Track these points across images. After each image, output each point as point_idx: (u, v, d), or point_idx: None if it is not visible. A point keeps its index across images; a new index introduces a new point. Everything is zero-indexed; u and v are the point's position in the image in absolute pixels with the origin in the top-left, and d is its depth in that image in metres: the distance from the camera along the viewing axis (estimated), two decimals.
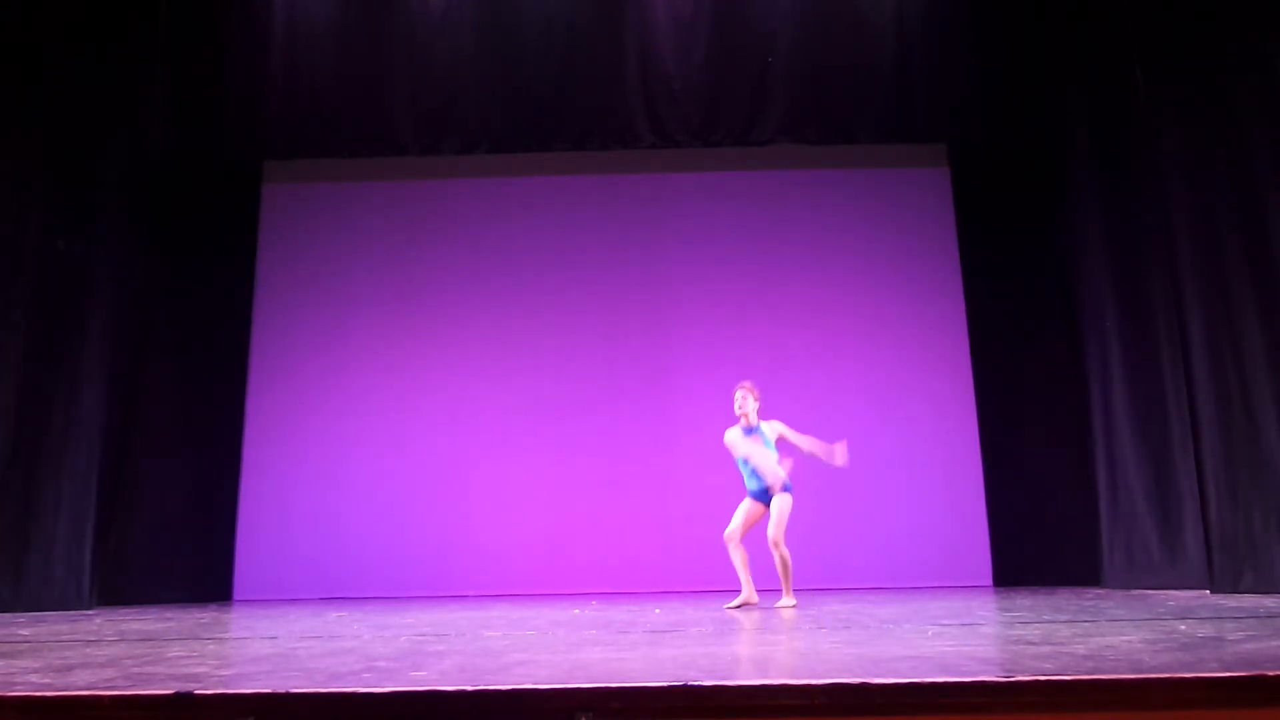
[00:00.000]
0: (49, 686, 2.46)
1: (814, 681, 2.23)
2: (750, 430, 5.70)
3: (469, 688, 2.26)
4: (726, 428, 5.73)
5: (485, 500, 7.73)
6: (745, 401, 5.71)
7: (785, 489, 5.59)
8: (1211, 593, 5.60)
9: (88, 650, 3.53)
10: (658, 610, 5.34)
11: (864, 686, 2.21)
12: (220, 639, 4.13)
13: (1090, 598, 5.65)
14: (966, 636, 3.45)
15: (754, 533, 5.73)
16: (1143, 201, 6.58)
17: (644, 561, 7.38)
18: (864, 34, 7.52)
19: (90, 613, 5.96)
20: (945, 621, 4.11)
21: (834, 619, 4.42)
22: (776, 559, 5.58)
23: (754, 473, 5.63)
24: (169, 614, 5.78)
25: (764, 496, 5.64)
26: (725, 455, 7.71)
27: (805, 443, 5.70)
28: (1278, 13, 5.69)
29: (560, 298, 8.09)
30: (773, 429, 5.73)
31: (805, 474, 7.77)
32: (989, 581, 7.41)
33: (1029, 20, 7.57)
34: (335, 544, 7.62)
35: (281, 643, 3.78)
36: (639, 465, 7.76)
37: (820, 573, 7.44)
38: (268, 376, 7.95)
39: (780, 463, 5.62)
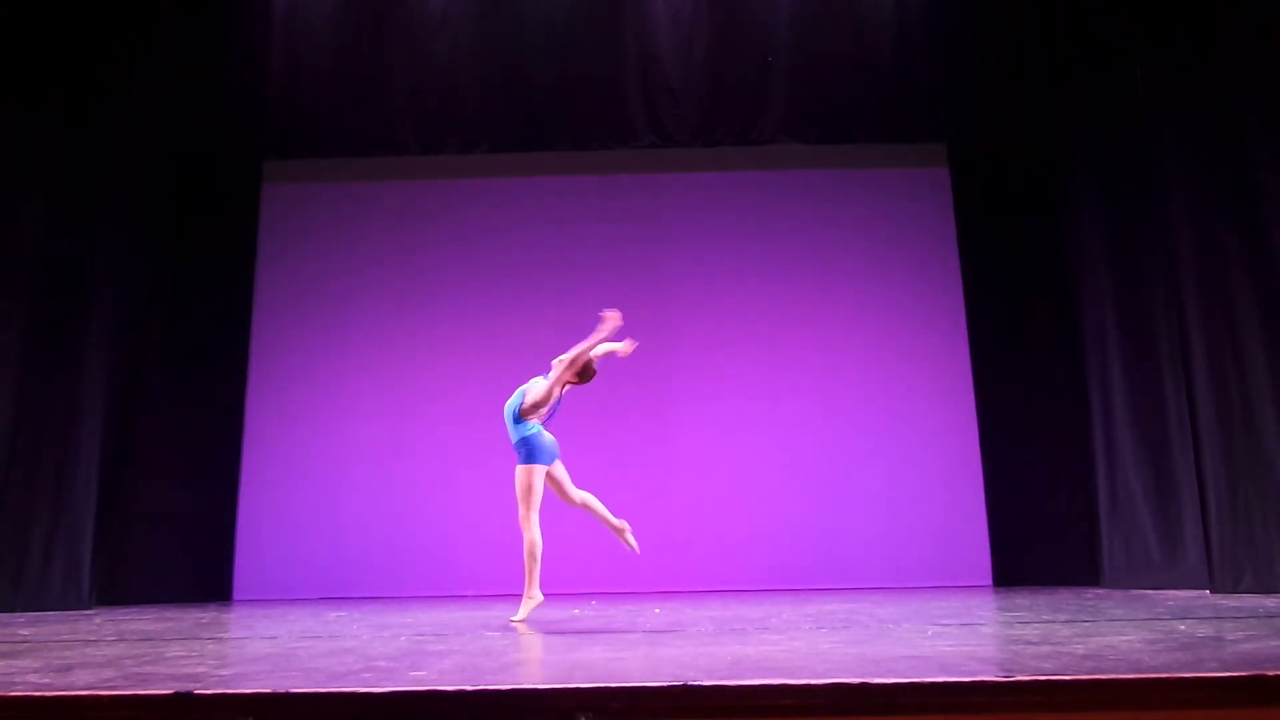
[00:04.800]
0: (49, 686, 2.46)
1: (814, 681, 2.23)
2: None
3: (469, 688, 2.26)
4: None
5: (485, 500, 7.71)
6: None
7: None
8: (1211, 593, 5.60)
9: (87, 650, 3.53)
10: (658, 610, 5.34)
11: (864, 686, 2.21)
12: (220, 639, 4.13)
13: (1090, 598, 5.65)
14: (966, 636, 3.45)
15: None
16: (1143, 201, 6.58)
17: (644, 561, 7.36)
18: (864, 33, 7.51)
19: (90, 613, 5.96)
20: (945, 621, 4.11)
21: (834, 619, 4.42)
22: (537, 545, 5.14)
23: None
24: (169, 614, 5.78)
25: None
26: (724, 453, 7.75)
27: (583, 348, 5.15)
28: (1278, 13, 5.69)
29: (560, 297, 8.08)
30: (546, 379, 5.23)
31: (804, 472, 7.80)
32: (989, 581, 7.41)
33: (1029, 20, 7.57)
34: (335, 544, 7.61)
35: (281, 643, 3.78)
36: (639, 465, 7.76)
37: (820, 573, 7.44)
38: (267, 376, 7.94)
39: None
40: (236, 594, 7.51)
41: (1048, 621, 4.05)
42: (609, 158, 8.08)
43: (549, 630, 4.13)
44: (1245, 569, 5.50)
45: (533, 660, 2.92)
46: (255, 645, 3.78)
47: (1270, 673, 2.21)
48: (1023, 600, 5.55)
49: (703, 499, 7.61)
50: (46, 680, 2.61)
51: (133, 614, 5.79)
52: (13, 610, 5.80)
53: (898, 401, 7.83)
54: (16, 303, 6.30)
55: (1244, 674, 2.23)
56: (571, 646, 3.38)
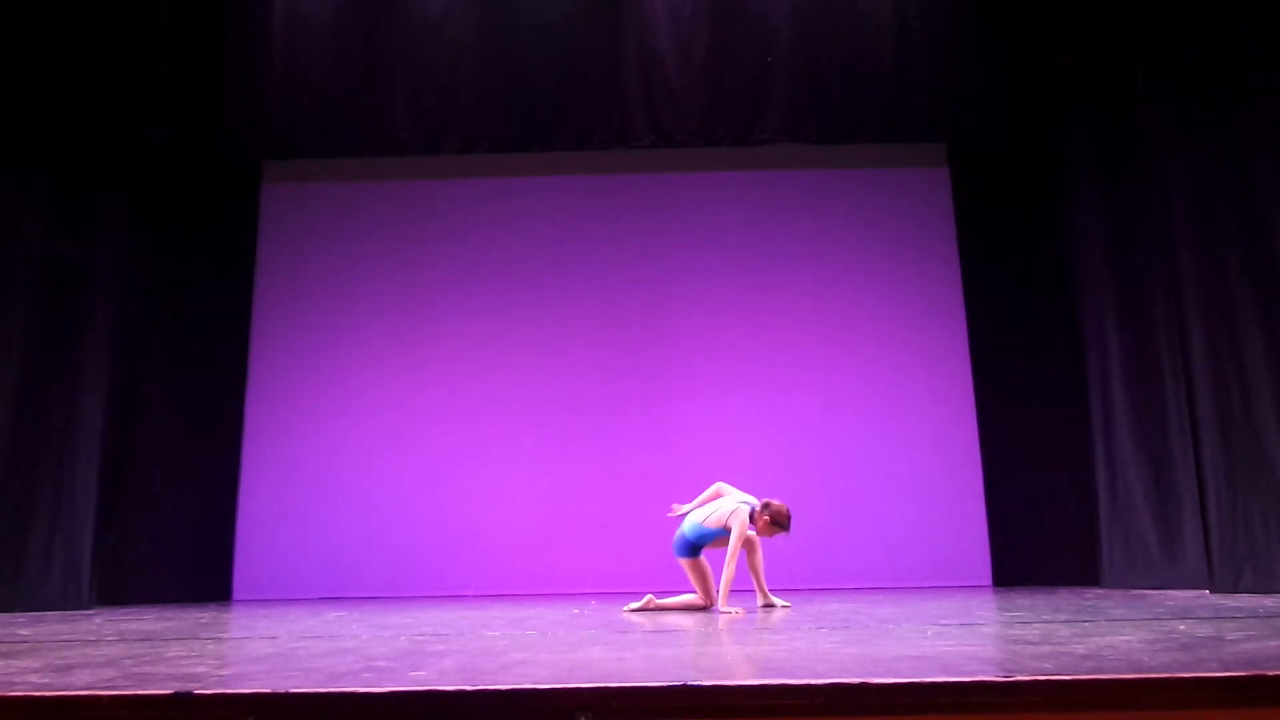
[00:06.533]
0: (49, 686, 2.46)
1: (814, 681, 2.23)
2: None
3: (468, 688, 2.26)
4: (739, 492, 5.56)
5: (485, 500, 7.73)
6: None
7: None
8: (1211, 593, 5.60)
9: (87, 650, 3.53)
10: (632, 609, 5.34)
11: (864, 686, 2.21)
12: (220, 639, 4.13)
13: (1090, 598, 5.65)
14: (966, 636, 3.45)
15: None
16: (1143, 201, 6.59)
17: (644, 561, 7.37)
18: (864, 33, 7.51)
19: (90, 613, 5.96)
20: (945, 621, 4.11)
21: (834, 619, 4.42)
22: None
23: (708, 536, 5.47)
24: (169, 614, 5.78)
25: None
26: (724, 453, 7.74)
27: (729, 567, 5.29)
28: (1277, 14, 5.69)
29: (560, 298, 8.09)
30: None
31: (804, 472, 7.79)
32: (989, 581, 7.41)
33: (1029, 20, 7.57)
34: (335, 544, 7.62)
35: (281, 643, 3.78)
36: (639, 465, 7.76)
37: (820, 573, 7.44)
38: (267, 376, 7.94)
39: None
40: (236, 594, 7.51)
41: (1048, 621, 4.05)
42: (609, 158, 8.08)
43: (549, 630, 4.12)
44: (1245, 569, 5.50)
45: (533, 660, 2.92)
46: (255, 645, 3.78)
47: (1270, 673, 2.21)
48: (1023, 600, 5.55)
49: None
50: (46, 680, 2.61)
51: (133, 614, 5.78)
52: (13, 610, 5.80)
53: (898, 401, 7.83)
54: (16, 303, 6.30)
55: (1244, 674, 2.23)
56: (571, 646, 3.38)
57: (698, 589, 5.51)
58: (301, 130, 7.66)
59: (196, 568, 7.43)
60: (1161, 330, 6.49)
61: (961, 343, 7.86)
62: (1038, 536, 7.34)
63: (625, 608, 5.39)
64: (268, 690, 2.33)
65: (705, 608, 5.46)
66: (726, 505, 5.43)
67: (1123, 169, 6.84)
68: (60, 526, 6.19)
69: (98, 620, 5.29)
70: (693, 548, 5.49)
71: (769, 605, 5.47)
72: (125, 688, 2.40)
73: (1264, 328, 5.60)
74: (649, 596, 5.44)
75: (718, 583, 5.37)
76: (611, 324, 8.04)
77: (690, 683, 2.24)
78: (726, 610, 5.15)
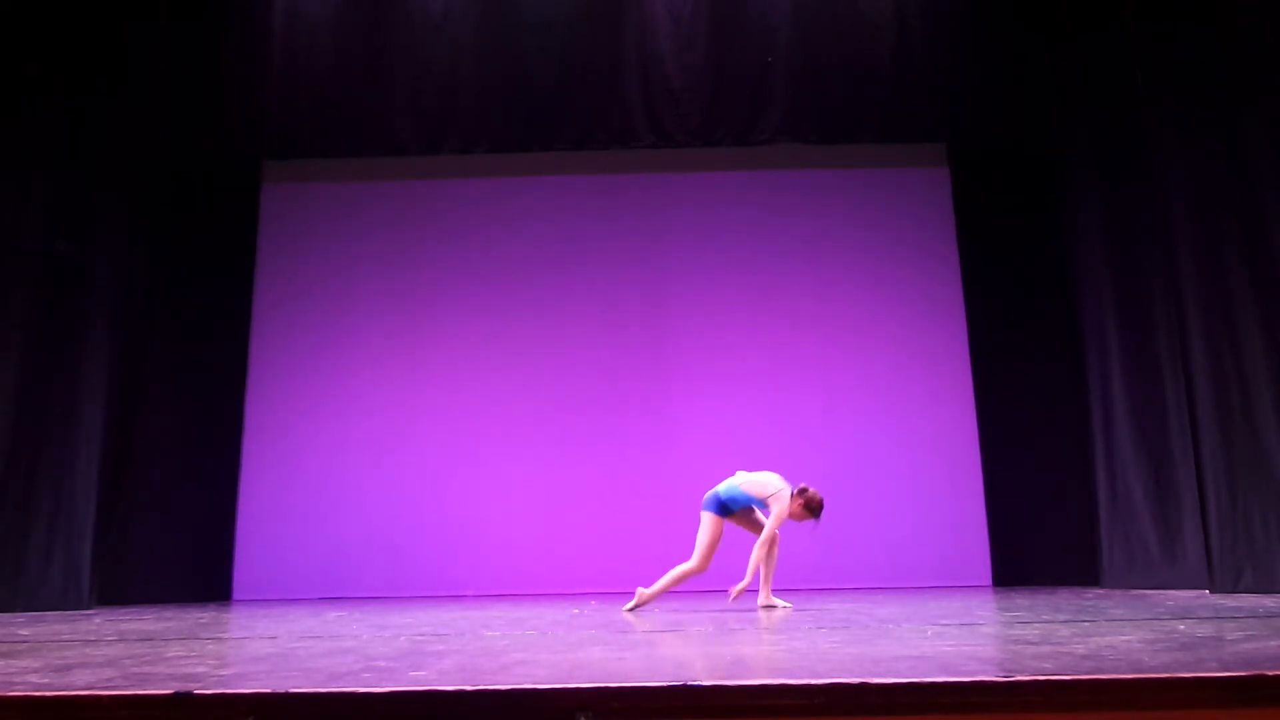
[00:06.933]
0: (48, 686, 2.46)
1: (814, 681, 2.23)
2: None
3: (468, 688, 2.26)
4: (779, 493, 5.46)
5: (485, 500, 7.73)
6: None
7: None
8: (1211, 593, 5.60)
9: (87, 650, 3.53)
10: (657, 609, 5.35)
11: (863, 686, 2.21)
12: (220, 639, 4.13)
13: (1090, 598, 5.65)
14: (966, 636, 3.45)
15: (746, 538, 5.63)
16: (1143, 201, 6.59)
17: (644, 561, 7.36)
18: (864, 33, 7.53)
19: (90, 613, 5.96)
20: (945, 621, 4.11)
21: (834, 619, 4.42)
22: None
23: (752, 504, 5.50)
24: (169, 614, 5.78)
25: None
26: (723, 453, 7.74)
27: (761, 549, 5.37)
28: (1277, 14, 5.69)
29: (560, 298, 8.09)
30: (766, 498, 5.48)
31: (804, 473, 7.78)
32: (988, 582, 7.41)
33: (1029, 20, 7.58)
34: (335, 544, 7.62)
35: (281, 643, 3.78)
36: (639, 465, 7.76)
37: (820, 573, 7.44)
38: (267, 376, 7.95)
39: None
40: (236, 594, 7.51)
41: (1048, 621, 4.05)
42: (609, 158, 8.09)
43: (549, 630, 4.12)
44: (1245, 569, 5.50)
45: (533, 660, 2.92)
46: (255, 645, 3.78)
47: (1270, 673, 2.21)
48: (1023, 600, 5.54)
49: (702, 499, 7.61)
50: (46, 680, 2.61)
51: (133, 614, 5.78)
52: (13, 610, 5.80)
53: (898, 402, 7.84)
54: (16, 303, 6.31)
55: (1244, 674, 2.23)
56: (571, 646, 3.38)
57: (698, 547, 5.41)
58: (301, 130, 7.67)
59: (196, 568, 7.43)
60: (1161, 330, 6.49)
61: (961, 343, 7.87)
62: (1038, 536, 7.35)
63: (624, 607, 5.39)
64: (268, 690, 2.32)
65: (695, 573, 5.40)
66: (772, 484, 5.43)
67: (1123, 169, 6.84)
68: (60, 526, 6.19)
69: (98, 620, 5.28)
70: (722, 506, 5.47)
71: (770, 606, 5.46)
72: (125, 688, 2.40)
73: (1264, 328, 5.60)
74: (639, 590, 5.41)
75: (729, 565, 5.38)
76: (611, 324, 8.04)
77: (690, 683, 2.24)
78: (755, 591, 5.24)
